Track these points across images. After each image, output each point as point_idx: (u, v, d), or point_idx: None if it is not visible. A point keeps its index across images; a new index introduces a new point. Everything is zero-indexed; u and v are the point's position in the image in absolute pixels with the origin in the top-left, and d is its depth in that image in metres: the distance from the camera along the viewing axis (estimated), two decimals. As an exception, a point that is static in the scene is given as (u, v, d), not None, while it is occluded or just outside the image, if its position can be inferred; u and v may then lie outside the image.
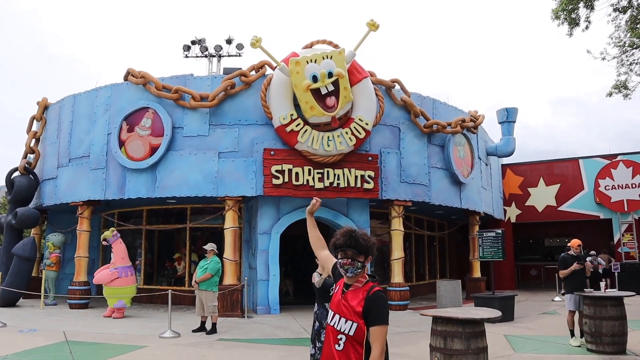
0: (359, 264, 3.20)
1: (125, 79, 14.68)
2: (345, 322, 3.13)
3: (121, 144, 14.15)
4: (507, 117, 18.50)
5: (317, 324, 7.28)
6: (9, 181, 16.90)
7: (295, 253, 18.33)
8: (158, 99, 13.97)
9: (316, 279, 7.19)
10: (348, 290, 3.23)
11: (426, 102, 15.87)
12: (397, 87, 15.04)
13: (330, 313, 3.24)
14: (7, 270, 15.35)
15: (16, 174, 16.97)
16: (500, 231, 13.69)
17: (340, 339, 3.13)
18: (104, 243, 13.32)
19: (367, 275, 3.33)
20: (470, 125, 16.87)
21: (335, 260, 3.42)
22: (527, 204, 21.88)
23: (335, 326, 3.17)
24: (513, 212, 22.18)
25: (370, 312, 3.09)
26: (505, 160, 22.55)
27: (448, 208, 16.70)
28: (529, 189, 21.92)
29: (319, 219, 14.43)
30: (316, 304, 7.33)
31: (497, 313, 6.23)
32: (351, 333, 3.10)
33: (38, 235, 17.87)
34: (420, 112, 15.15)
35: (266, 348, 9.09)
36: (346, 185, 13.57)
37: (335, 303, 3.25)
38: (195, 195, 13.46)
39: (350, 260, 3.19)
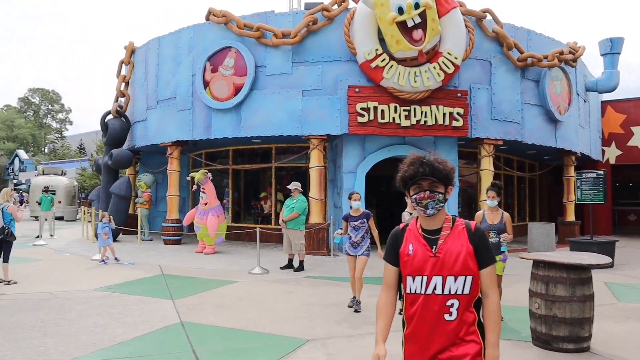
0: (440, 195, 2.47)
1: (207, 18, 14.60)
2: (455, 280, 2.42)
3: (206, 84, 14.23)
4: (611, 48, 16.93)
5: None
6: (104, 124, 17.65)
7: (379, 193, 18.13)
8: (240, 38, 13.82)
9: (406, 217, 6.97)
10: (440, 237, 2.48)
11: (520, 33, 14.74)
12: (489, 17, 14.01)
13: (421, 280, 2.45)
14: (106, 208, 16.22)
15: (109, 117, 17.67)
16: (602, 172, 12.73)
17: (452, 305, 2.42)
18: (194, 187, 13.61)
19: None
20: (568, 58, 15.57)
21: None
22: (629, 144, 20.23)
23: (439, 292, 2.42)
24: (612, 153, 20.63)
25: (481, 252, 2.46)
26: (606, 97, 20.84)
27: (541, 147, 15.73)
28: (632, 127, 20.20)
29: (399, 157, 14.05)
30: (407, 244, 7.15)
31: (606, 259, 5.71)
32: (466, 291, 2.42)
33: (132, 175, 18.68)
34: (514, 44, 14.09)
35: (354, 285, 9.04)
36: (434, 123, 13.00)
37: (428, 263, 2.45)
38: (280, 134, 13.41)
39: (428, 192, 2.44)
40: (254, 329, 6.18)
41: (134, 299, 7.84)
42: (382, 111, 12.84)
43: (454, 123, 13.11)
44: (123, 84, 17.82)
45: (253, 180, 17.55)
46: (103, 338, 5.77)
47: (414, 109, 12.90)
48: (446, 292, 2.42)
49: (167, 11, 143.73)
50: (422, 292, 2.46)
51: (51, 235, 17.85)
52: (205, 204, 13.36)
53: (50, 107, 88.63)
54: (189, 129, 14.75)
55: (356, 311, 7.07)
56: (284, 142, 15.18)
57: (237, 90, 13.70)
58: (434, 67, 12.69)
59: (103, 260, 11.65)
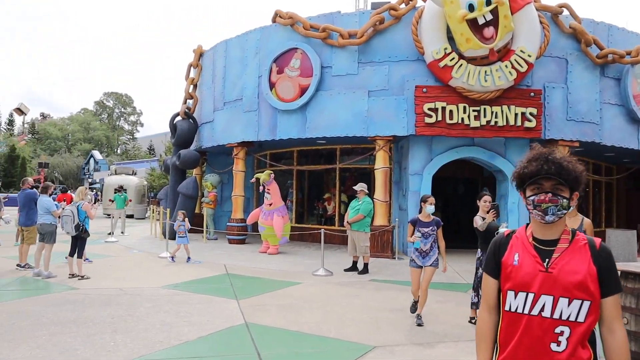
0: (565, 201, 2.10)
1: (274, 20, 14.67)
2: (569, 303, 2.02)
3: (271, 85, 14.29)
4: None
5: (480, 270, 6.79)
6: (172, 125, 18.13)
7: (444, 195, 17.69)
8: (306, 39, 13.80)
9: (479, 222, 6.64)
10: (556, 251, 2.10)
11: (600, 29, 13.94)
12: (565, 12, 13.32)
13: (525, 297, 2.10)
14: (174, 207, 16.62)
15: (178, 118, 18.14)
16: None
17: (562, 333, 2.02)
18: (261, 188, 13.66)
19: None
20: (654, 54, 14.58)
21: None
22: None
23: (547, 315, 2.04)
24: (701, 156, 19.18)
25: (606, 276, 2.06)
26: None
27: (621, 150, 14.80)
28: None
29: (473, 159, 13.62)
30: (479, 249, 6.80)
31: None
32: (581, 319, 2.02)
33: (199, 176, 19.08)
34: (593, 40, 13.33)
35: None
36: (505, 123, 12.48)
37: (537, 278, 2.08)
38: (345, 135, 13.26)
39: (551, 195, 2.09)
40: (319, 333, 6.05)
41: (200, 297, 7.89)
42: (451, 111, 12.46)
43: (527, 124, 12.53)
44: (191, 86, 18.25)
45: (317, 181, 17.50)
46: (169, 336, 5.79)
47: (484, 109, 12.43)
48: (556, 315, 2.03)
49: (235, 14, 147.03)
50: (526, 311, 2.08)
51: (122, 233, 18.46)
52: (270, 205, 13.40)
53: (123, 109, 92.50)
54: (254, 130, 14.87)
55: (419, 325, 6.45)
56: (349, 143, 15.03)
57: (303, 91, 13.68)
58: (506, 66, 12.19)
59: (172, 257, 11.85)
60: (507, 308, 2.16)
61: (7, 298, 7.74)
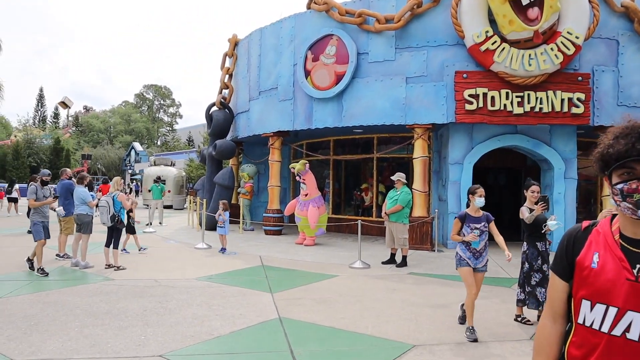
0: None
1: (308, 7, 14.39)
2: None
3: (307, 73, 14.03)
4: None
5: (526, 265, 6.38)
6: (208, 116, 18.09)
7: (485, 185, 17.10)
8: (341, 25, 13.46)
9: (526, 214, 6.23)
10: None
11: (653, 8, 13.13)
12: (616, -9, 12.61)
13: (605, 311, 1.67)
14: (210, 198, 16.59)
15: (214, 108, 18.08)
16: None
17: None
18: (297, 178, 13.46)
19: None
20: None
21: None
22: None
23: (634, 337, 1.62)
24: None
25: None
26: None
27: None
28: None
29: (516, 148, 13.07)
30: (525, 242, 6.39)
31: None
32: None
33: (235, 166, 19.02)
34: (646, 20, 12.58)
35: (460, 286, 8.30)
36: (550, 109, 11.88)
37: (622, 288, 1.65)
38: (383, 123, 12.89)
39: None
40: (355, 330, 5.78)
41: (233, 290, 7.73)
42: (492, 98, 11.96)
43: (574, 110, 11.92)
44: (227, 76, 18.15)
45: (354, 171, 17.19)
46: (201, 331, 5.63)
47: (528, 94, 11.87)
48: None
49: (270, 1, 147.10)
50: (605, 329, 1.66)
51: (160, 223, 18.58)
52: (306, 195, 13.17)
53: (162, 102, 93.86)
54: (290, 119, 14.65)
55: (474, 340, 5.43)
56: (386, 131, 14.65)
57: (339, 78, 13.37)
58: (552, 49, 11.60)
59: (222, 249, 11.73)
60: (580, 321, 1.75)
61: (45, 288, 7.74)
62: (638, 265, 1.63)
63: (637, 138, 1.63)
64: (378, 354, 5.03)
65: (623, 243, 1.69)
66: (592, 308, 1.70)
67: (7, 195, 23.60)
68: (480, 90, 11.97)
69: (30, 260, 9.07)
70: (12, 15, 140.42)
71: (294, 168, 13.40)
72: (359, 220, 10.51)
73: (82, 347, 5.08)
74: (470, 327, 5.54)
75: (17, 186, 24.52)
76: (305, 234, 13.30)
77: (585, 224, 1.86)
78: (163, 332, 5.55)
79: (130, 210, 11.40)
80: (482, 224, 5.79)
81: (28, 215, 10.44)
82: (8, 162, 49.06)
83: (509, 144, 12.63)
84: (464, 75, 12.13)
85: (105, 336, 5.40)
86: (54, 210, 9.89)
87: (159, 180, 19.97)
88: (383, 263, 10.37)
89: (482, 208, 5.90)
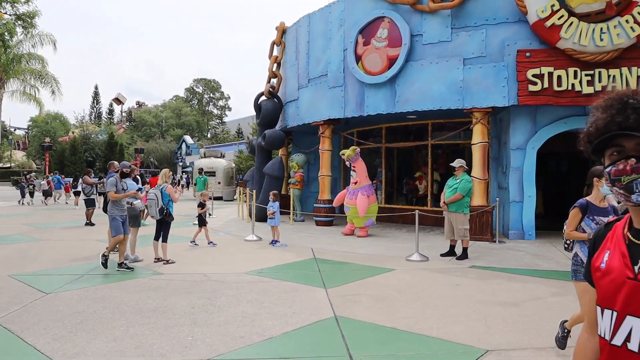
0: None
1: (359, -11, 13.80)
2: None
3: (358, 58, 13.47)
4: None
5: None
6: (257, 105, 17.77)
7: (546, 171, 16.16)
8: (393, 6, 12.82)
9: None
10: None
11: None
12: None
13: (611, 317, 1.42)
14: (260, 189, 16.29)
15: (262, 98, 17.74)
16: None
17: None
18: (347, 164, 12.97)
19: None
20: None
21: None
22: None
23: (634, 348, 1.35)
24: None
25: None
26: None
27: None
28: None
29: (577, 130, 12.04)
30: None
31: None
32: None
33: (285, 156, 18.69)
34: None
35: (529, 281, 7.69)
36: (624, 88, 10.92)
37: (623, 289, 1.40)
38: (439, 108, 12.20)
39: (635, 160, 1.38)
40: (419, 331, 5.24)
41: (285, 285, 7.31)
42: (559, 77, 11.09)
43: (651, 88, 10.91)
44: (275, 64, 17.78)
45: (407, 159, 16.54)
46: (251, 331, 5.22)
47: (599, 72, 10.94)
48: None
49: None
50: (608, 337, 1.42)
51: (209, 215, 18.45)
52: (355, 183, 12.65)
53: (211, 95, 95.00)
54: (340, 106, 14.14)
55: (562, 347, 4.63)
56: (442, 117, 13.92)
57: (392, 62, 12.75)
58: (627, 21, 10.62)
59: (273, 241, 11.40)
60: (598, 331, 1.50)
61: (94, 283, 7.55)
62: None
63: (618, 110, 1.39)
64: (447, 359, 4.49)
65: (630, 236, 1.45)
66: (602, 315, 1.47)
67: (73, 190, 24.25)
68: (545, 70, 11.12)
69: (105, 257, 8.67)
70: (70, 18, 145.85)
71: (344, 154, 12.89)
72: (417, 210, 9.88)
73: (127, 348, 4.76)
74: (567, 330, 4.63)
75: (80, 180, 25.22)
76: (354, 224, 12.78)
77: (611, 219, 1.62)
78: (211, 333, 5.18)
79: (202, 205, 11.21)
80: (610, 217, 4.23)
81: (104, 210, 10.26)
82: (66, 157, 50.68)
83: (576, 127, 11.71)
84: (527, 54, 11.29)
85: (151, 336, 5.07)
86: (132, 204, 9.48)
87: (202, 171, 19.87)
88: (442, 255, 9.75)
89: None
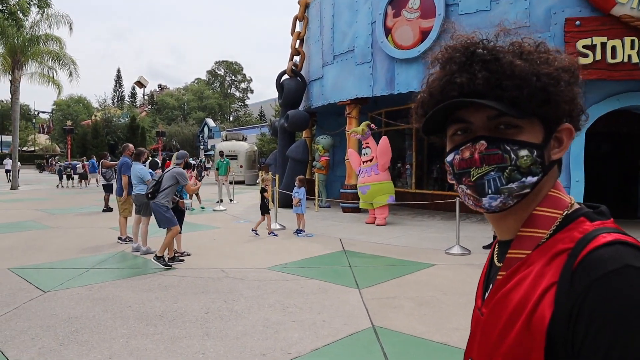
0: (524, 154, 0.88)
1: (388, -44, 12.71)
2: None
3: (387, 32, 12.44)
4: None
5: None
6: (279, 85, 16.84)
7: (596, 156, 14.96)
8: (428, -27, 11.73)
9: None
10: (502, 267, 0.93)
11: None
12: None
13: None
14: (283, 172, 15.43)
15: (285, 77, 16.79)
16: None
17: None
18: (358, 136, 12.07)
19: (575, 204, 0.92)
20: None
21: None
22: None
23: None
24: None
25: (582, 336, 0.73)
26: None
27: None
28: None
29: (630, 108, 11.00)
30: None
31: None
32: None
33: (309, 138, 17.79)
34: None
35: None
36: (689, 59, 9.76)
37: (475, 323, 1.00)
38: (477, 84, 11.16)
39: (484, 143, 0.90)
40: (476, 347, 4.34)
41: (313, 285, 6.45)
42: (613, 48, 9.94)
43: None
44: (297, 41, 16.81)
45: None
46: (274, 346, 4.38)
47: (660, 42, 9.77)
48: None
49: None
50: None
51: (230, 200, 17.71)
52: (370, 160, 11.75)
53: (233, 77, 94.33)
54: (369, 84, 13.15)
55: None
56: (479, 95, 12.85)
57: (424, 35, 11.71)
58: (694, -17, 9.42)
59: (298, 231, 10.58)
60: None
61: (99, 279, 6.79)
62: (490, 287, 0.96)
63: (460, 65, 0.91)
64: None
65: (495, 255, 1.02)
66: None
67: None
68: (597, 40, 9.98)
69: (159, 257, 7.86)
70: (95, 2, 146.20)
71: (356, 132, 11.98)
72: (457, 199, 8.88)
73: (125, 368, 3.97)
74: None
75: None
76: (374, 207, 11.83)
77: None
78: (226, 348, 4.35)
79: (264, 190, 10.42)
80: None
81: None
82: (88, 140, 50.50)
83: (632, 104, 10.59)
84: (577, 23, 10.15)
85: (154, 352, 4.27)
86: (179, 202, 8.63)
87: (222, 154, 19.07)
88: (484, 247, 8.79)
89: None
